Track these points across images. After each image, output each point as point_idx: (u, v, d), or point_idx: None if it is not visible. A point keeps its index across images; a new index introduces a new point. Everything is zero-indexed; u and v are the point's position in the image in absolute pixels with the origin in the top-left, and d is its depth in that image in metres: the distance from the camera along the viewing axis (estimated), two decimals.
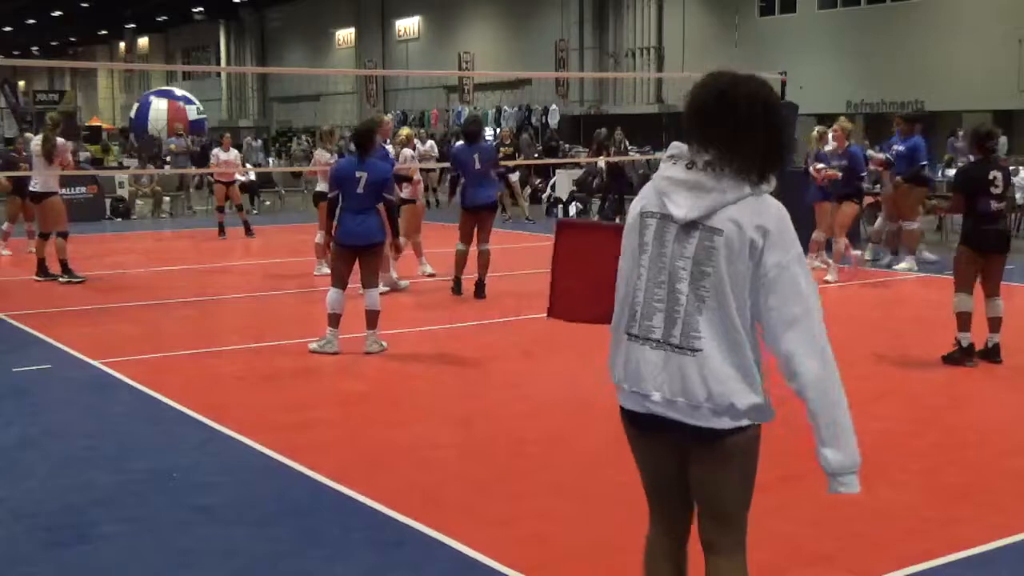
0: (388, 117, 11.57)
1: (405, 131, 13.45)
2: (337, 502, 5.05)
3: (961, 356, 7.83)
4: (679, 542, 3.10)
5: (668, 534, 3.10)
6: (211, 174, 18.56)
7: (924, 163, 13.40)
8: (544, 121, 35.03)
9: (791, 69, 21.71)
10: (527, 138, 27.40)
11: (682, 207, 2.81)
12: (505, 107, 36.57)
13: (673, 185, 2.85)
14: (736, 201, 2.77)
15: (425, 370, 7.92)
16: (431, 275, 12.25)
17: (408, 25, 45.43)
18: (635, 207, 2.97)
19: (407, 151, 12.90)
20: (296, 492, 5.22)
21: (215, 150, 18.14)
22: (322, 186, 12.34)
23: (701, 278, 2.79)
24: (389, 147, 11.62)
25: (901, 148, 13.32)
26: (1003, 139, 22.53)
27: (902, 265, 13.03)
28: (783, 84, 17.34)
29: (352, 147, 8.72)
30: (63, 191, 20.47)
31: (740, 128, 2.77)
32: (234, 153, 18.03)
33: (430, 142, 25.62)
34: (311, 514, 4.89)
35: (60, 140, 12.37)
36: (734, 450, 2.86)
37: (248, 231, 17.48)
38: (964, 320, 7.85)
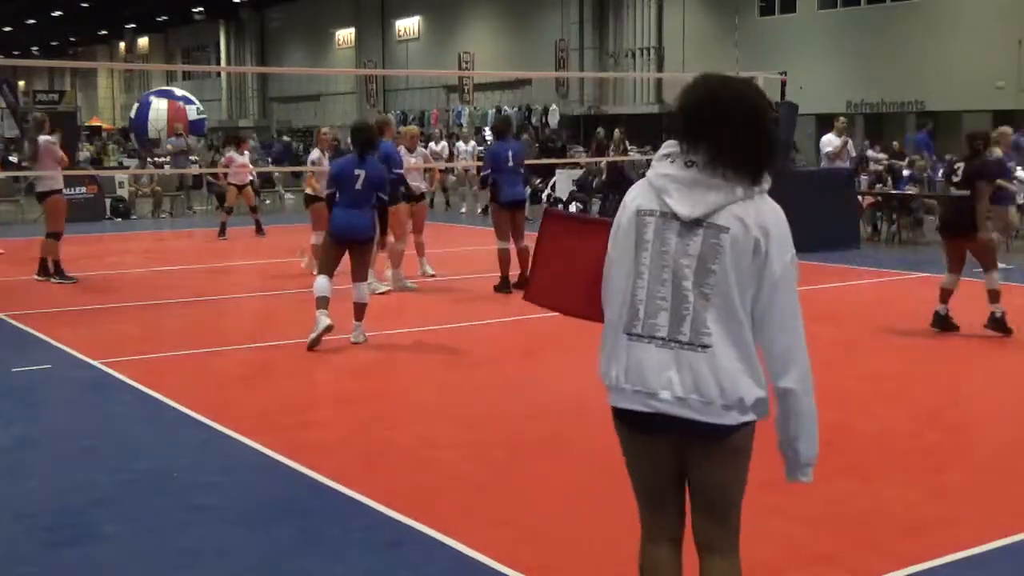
0: (390, 119, 11.66)
1: (414, 129, 13.49)
2: (337, 502, 5.05)
3: (936, 321, 8.83)
4: (676, 547, 3.07)
5: (663, 541, 3.05)
6: (213, 175, 18.64)
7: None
8: (544, 121, 35.04)
9: (791, 69, 21.71)
10: (527, 138, 27.42)
11: (687, 204, 2.82)
12: (505, 107, 36.57)
13: (673, 182, 2.86)
14: (739, 200, 2.82)
15: (425, 370, 7.92)
16: (431, 276, 12.25)
17: (408, 25, 45.43)
18: (629, 205, 2.95)
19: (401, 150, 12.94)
20: (296, 492, 5.22)
21: (230, 152, 18.16)
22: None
23: (706, 275, 2.81)
24: (402, 149, 11.66)
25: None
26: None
27: None
28: (783, 84, 17.34)
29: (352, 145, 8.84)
30: (65, 191, 20.64)
31: (732, 129, 2.81)
32: (248, 155, 18.15)
33: (443, 143, 25.68)
34: (311, 514, 4.89)
35: (43, 139, 12.27)
36: (739, 446, 2.91)
37: (259, 230, 17.52)
38: (943, 294, 8.88)
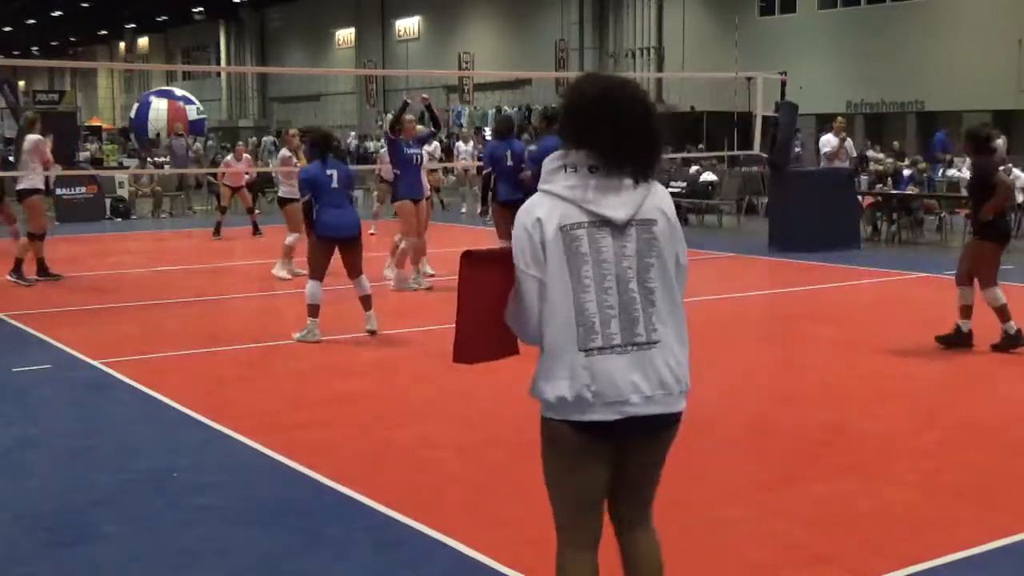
0: (410, 117, 11.68)
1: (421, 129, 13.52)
2: (337, 502, 5.05)
3: (1012, 341, 8.06)
4: (596, 553, 3.06)
5: (591, 549, 3.04)
6: (213, 175, 18.68)
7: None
8: None
9: (791, 69, 21.73)
10: (527, 138, 27.40)
11: (618, 208, 2.85)
12: (505, 107, 36.57)
13: (591, 191, 2.85)
14: (650, 192, 2.92)
15: (425, 370, 7.92)
16: (431, 275, 12.25)
17: (408, 25, 45.45)
18: (545, 221, 2.84)
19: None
20: (296, 492, 5.22)
21: (228, 157, 18.25)
22: (285, 189, 12.61)
23: (647, 270, 2.87)
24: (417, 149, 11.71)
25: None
26: (1001, 140, 22.63)
27: None
28: (783, 84, 17.36)
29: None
30: (64, 191, 20.70)
31: (627, 126, 2.85)
32: (246, 161, 18.22)
33: (435, 143, 25.69)
34: (311, 514, 4.89)
35: (32, 137, 12.17)
36: (677, 429, 3.02)
37: (256, 231, 17.55)
38: (1006, 311, 8.10)
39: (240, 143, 19.81)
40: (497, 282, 2.93)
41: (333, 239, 8.62)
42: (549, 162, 2.92)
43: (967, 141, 8.45)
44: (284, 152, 13.22)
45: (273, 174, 24.71)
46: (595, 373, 2.84)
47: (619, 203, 2.85)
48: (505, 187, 11.25)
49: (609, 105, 2.85)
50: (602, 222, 2.84)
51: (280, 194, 13.08)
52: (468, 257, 2.91)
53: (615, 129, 2.84)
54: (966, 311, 8.22)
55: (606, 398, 2.85)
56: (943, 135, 23.06)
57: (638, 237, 2.86)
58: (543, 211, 2.87)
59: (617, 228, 2.84)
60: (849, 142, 16.37)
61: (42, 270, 12.44)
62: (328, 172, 8.70)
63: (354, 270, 8.78)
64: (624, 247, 2.85)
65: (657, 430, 2.95)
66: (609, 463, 2.99)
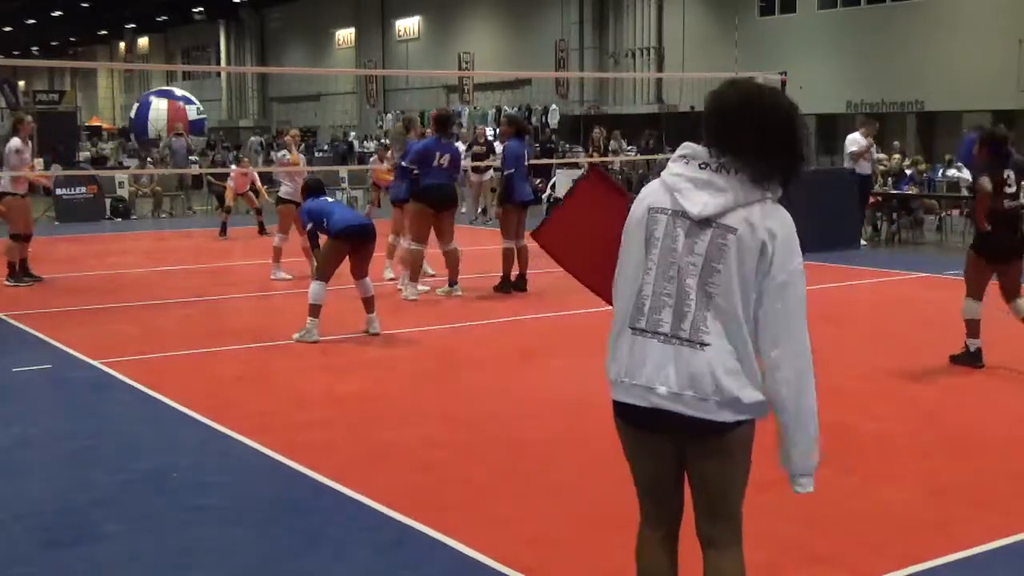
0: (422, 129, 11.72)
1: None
2: (337, 502, 5.05)
3: (969, 359, 7.78)
4: (672, 537, 3.13)
5: (661, 529, 3.11)
6: (213, 175, 18.73)
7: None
8: (544, 121, 35.03)
9: (791, 69, 21.73)
10: (527, 138, 27.42)
11: (697, 203, 2.85)
12: (505, 107, 36.55)
13: (686, 182, 2.89)
14: (750, 203, 2.85)
15: (425, 370, 7.92)
16: (430, 275, 12.26)
17: (408, 25, 45.43)
18: (643, 201, 2.99)
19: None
20: (296, 492, 5.22)
21: (232, 169, 18.37)
22: (284, 189, 12.78)
23: (711, 275, 2.84)
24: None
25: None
26: None
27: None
28: (783, 84, 17.33)
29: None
30: (64, 191, 20.71)
31: (759, 138, 2.83)
32: (250, 174, 18.31)
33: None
34: (311, 514, 4.89)
35: (14, 141, 12.10)
36: (736, 444, 2.93)
37: (262, 230, 17.58)
38: (974, 327, 7.77)
39: (245, 157, 19.92)
40: (598, 212, 3.28)
41: (351, 233, 8.67)
42: (680, 149, 2.97)
43: (987, 146, 7.68)
44: (283, 152, 13.32)
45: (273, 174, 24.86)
46: (633, 353, 2.90)
47: (702, 199, 2.85)
48: (522, 187, 11.38)
49: (749, 112, 2.86)
50: (682, 213, 2.88)
51: (280, 193, 13.07)
52: (592, 170, 3.47)
53: (749, 136, 2.83)
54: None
55: (636, 380, 2.89)
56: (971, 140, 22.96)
57: (712, 240, 2.84)
58: (647, 190, 3.01)
59: (695, 224, 2.86)
60: (874, 146, 16.13)
61: (23, 270, 12.35)
62: (331, 201, 9.33)
63: (360, 271, 8.85)
64: (695, 244, 2.85)
65: (698, 435, 2.89)
66: (663, 459, 3.01)
